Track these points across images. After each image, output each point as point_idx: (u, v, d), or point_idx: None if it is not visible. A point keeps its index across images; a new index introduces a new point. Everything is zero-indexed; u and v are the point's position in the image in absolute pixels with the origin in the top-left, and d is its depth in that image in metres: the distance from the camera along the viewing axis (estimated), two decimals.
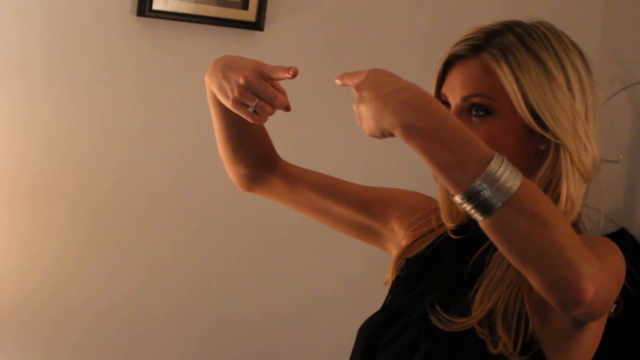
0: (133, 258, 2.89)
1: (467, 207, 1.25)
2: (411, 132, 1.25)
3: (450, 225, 1.61)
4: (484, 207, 1.23)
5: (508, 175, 1.23)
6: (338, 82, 1.37)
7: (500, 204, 1.23)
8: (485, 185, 1.22)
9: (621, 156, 2.97)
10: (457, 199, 1.25)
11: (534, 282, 1.27)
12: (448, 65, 1.54)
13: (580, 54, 1.52)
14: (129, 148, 2.85)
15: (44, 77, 2.78)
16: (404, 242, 1.69)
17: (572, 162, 1.47)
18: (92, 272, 2.87)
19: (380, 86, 1.28)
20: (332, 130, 2.97)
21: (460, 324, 1.46)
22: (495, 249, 1.50)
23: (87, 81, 2.81)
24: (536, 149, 1.50)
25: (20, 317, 2.82)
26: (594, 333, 1.48)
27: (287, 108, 1.54)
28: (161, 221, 2.90)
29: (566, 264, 1.23)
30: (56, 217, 2.82)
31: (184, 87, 2.85)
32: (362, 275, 2.93)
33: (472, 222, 1.58)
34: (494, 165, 1.23)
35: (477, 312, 1.46)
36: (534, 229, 1.23)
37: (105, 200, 2.85)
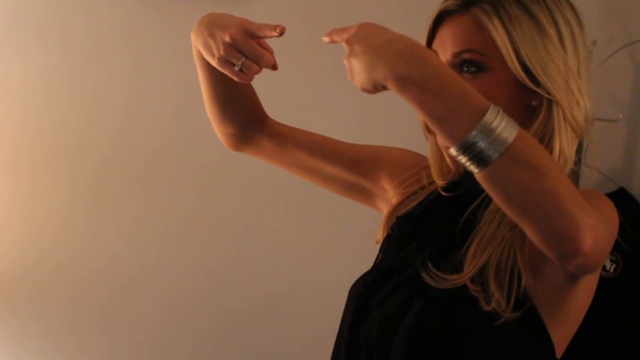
0: (129, 218, 2.91)
1: (463, 159, 1.23)
2: (405, 83, 1.23)
3: (441, 182, 1.61)
4: (480, 158, 1.22)
5: (504, 126, 1.21)
6: (326, 39, 1.35)
7: (496, 155, 1.21)
8: (481, 137, 1.21)
9: (620, 115, 2.95)
10: (453, 151, 1.23)
11: (532, 234, 1.26)
12: (438, 22, 1.52)
13: (572, 7, 1.50)
14: (124, 110, 2.87)
15: (36, 41, 2.80)
16: (394, 200, 1.68)
17: (564, 117, 1.46)
18: (83, 233, 2.89)
19: (372, 39, 1.27)
20: (321, 89, 2.95)
21: (453, 280, 1.45)
22: (487, 206, 1.49)
23: (80, 43, 2.83)
24: (528, 105, 1.48)
25: (12, 278, 2.84)
26: (587, 289, 1.48)
27: (274, 67, 1.52)
28: (159, 181, 2.91)
29: (564, 215, 1.22)
30: (57, 179, 2.85)
31: (176, 51, 2.84)
32: (352, 234, 2.93)
33: (464, 179, 1.59)
34: (489, 116, 1.21)
35: (470, 268, 1.45)
36: (531, 180, 1.21)
37: (104, 162, 2.87)
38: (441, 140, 1.50)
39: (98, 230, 2.91)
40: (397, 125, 2.66)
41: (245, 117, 1.75)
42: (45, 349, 2.92)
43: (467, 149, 1.22)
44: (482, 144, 1.21)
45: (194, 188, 2.94)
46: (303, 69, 2.91)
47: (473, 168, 1.23)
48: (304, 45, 2.76)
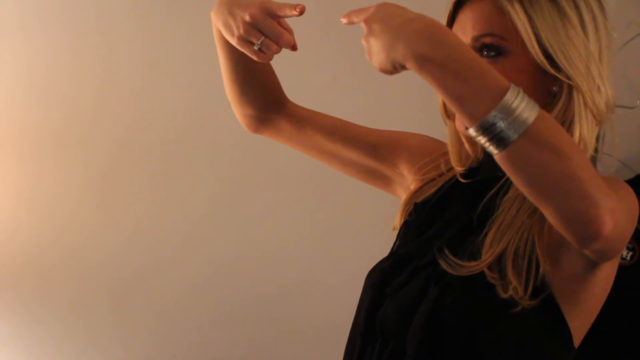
0: (140, 205, 2.91)
1: (482, 139, 1.22)
2: (424, 62, 1.22)
3: (460, 169, 1.60)
4: (499, 139, 1.20)
5: (524, 107, 1.20)
6: (344, 20, 1.34)
7: (516, 136, 1.20)
8: (501, 117, 1.19)
9: (638, 102, 2.94)
10: (472, 131, 1.22)
11: (551, 217, 1.24)
12: (459, 5, 1.51)
13: None
14: (136, 94, 2.86)
15: (43, 24, 2.81)
16: (412, 187, 1.68)
17: (585, 103, 1.44)
18: (92, 219, 2.89)
19: (391, 18, 1.26)
20: (339, 72, 2.94)
21: (470, 267, 1.44)
22: (506, 192, 1.48)
23: (89, 26, 2.83)
24: (549, 91, 1.47)
25: (21, 264, 2.84)
26: (605, 277, 1.46)
27: (294, 47, 1.51)
28: (171, 167, 2.90)
29: (584, 197, 1.20)
30: (66, 164, 2.84)
31: (191, 33, 2.83)
32: (370, 220, 2.92)
33: (482, 166, 1.58)
34: (510, 96, 1.20)
35: (487, 255, 1.44)
36: (551, 161, 1.20)
37: (116, 146, 2.87)
38: (459, 124, 1.49)
39: (108, 216, 2.90)
40: (415, 110, 2.65)
41: (264, 98, 1.75)
42: (54, 336, 2.92)
43: (487, 129, 1.21)
44: (501, 124, 1.20)
45: (208, 173, 2.93)
46: (320, 52, 2.90)
47: (492, 149, 1.22)
48: (321, 28, 2.74)
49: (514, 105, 1.20)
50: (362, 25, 1.29)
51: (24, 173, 2.85)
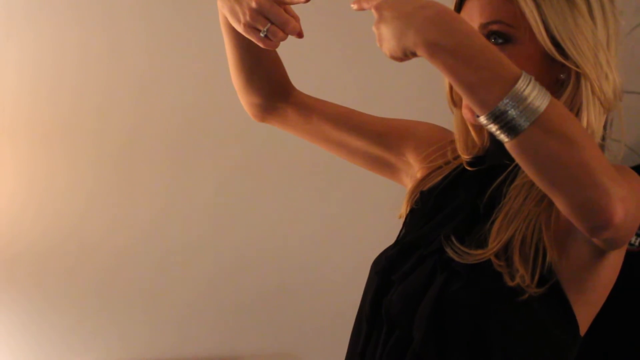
0: (150, 194, 2.90)
1: (493, 127, 1.22)
2: (435, 49, 1.21)
3: (466, 157, 1.59)
4: (510, 127, 1.20)
5: (536, 95, 1.20)
6: (354, 6, 1.34)
7: (527, 124, 1.20)
8: (512, 105, 1.19)
9: None
10: (483, 119, 1.22)
11: (562, 206, 1.24)
12: None
13: None
14: (146, 81, 2.86)
15: (51, 13, 2.79)
16: (419, 175, 1.67)
17: (592, 91, 1.44)
18: (109, 209, 2.88)
19: (402, 4, 1.25)
20: (346, 60, 2.94)
21: (477, 255, 1.44)
22: (513, 181, 1.48)
23: (96, 15, 2.81)
24: (556, 78, 1.46)
25: (37, 255, 2.83)
26: (612, 265, 1.46)
27: (300, 34, 1.50)
28: (187, 153, 2.90)
29: (595, 185, 1.20)
30: (78, 153, 2.84)
31: (199, 21, 2.83)
32: (376, 209, 2.92)
33: (489, 154, 1.57)
34: (521, 84, 1.20)
35: (494, 243, 1.44)
36: (563, 150, 1.20)
37: (129, 133, 2.88)
38: (467, 112, 1.48)
39: (122, 209, 2.89)
40: (421, 99, 2.64)
41: (270, 87, 1.74)
42: (74, 327, 2.91)
43: (498, 117, 1.21)
44: (513, 113, 1.20)
45: (222, 163, 2.93)
46: (327, 40, 2.89)
47: (503, 137, 1.22)
48: (329, 15, 2.73)
49: (526, 93, 1.20)
50: (373, 11, 1.28)
51: (36, 166, 2.84)
